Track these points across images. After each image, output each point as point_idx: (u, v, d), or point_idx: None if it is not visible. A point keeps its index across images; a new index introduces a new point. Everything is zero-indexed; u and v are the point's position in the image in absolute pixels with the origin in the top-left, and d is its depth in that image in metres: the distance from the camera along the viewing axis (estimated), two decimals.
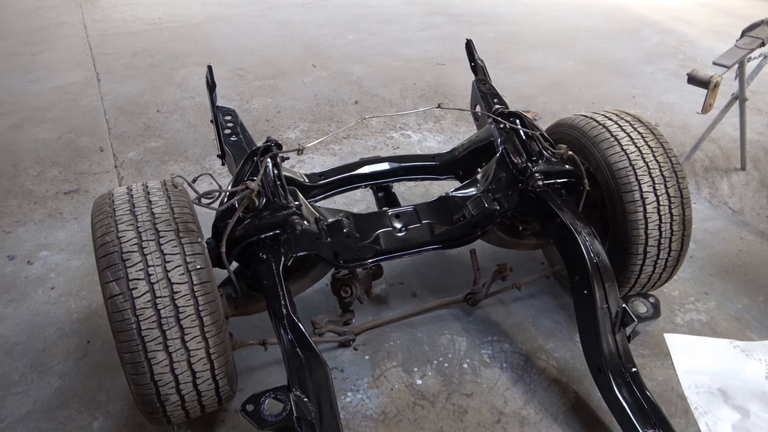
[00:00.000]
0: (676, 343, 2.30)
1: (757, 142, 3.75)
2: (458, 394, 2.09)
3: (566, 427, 1.98)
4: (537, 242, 2.37)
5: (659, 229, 2.02)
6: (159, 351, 1.52)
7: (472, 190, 2.20)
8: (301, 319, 1.69)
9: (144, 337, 1.50)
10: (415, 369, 2.19)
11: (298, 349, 1.60)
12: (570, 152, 2.02)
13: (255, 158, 1.87)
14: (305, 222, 1.81)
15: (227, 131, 2.17)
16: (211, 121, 2.26)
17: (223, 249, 1.70)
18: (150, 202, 1.68)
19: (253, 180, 1.75)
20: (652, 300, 1.91)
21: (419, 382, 2.14)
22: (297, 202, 1.81)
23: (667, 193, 2.02)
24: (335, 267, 2.05)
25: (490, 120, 2.33)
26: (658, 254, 2.06)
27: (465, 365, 2.21)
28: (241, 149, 2.11)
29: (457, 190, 2.25)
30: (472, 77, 4.72)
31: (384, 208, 2.38)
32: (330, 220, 2.01)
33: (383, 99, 4.38)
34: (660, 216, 2.01)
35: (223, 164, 2.31)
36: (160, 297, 1.52)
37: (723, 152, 3.67)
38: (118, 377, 2.12)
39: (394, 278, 2.61)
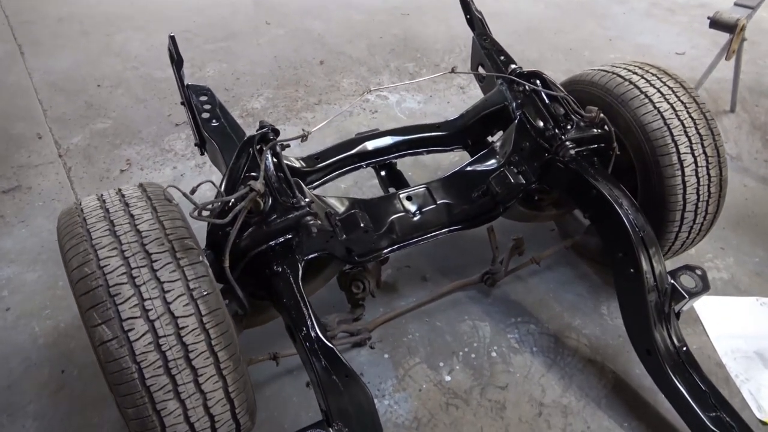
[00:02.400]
0: (705, 306, 2.20)
1: (740, 81, 3.66)
2: (492, 388, 1.93)
3: (611, 412, 1.86)
4: (557, 212, 2.18)
5: (697, 192, 1.86)
6: (170, 400, 1.25)
7: (491, 163, 1.98)
8: None
9: (150, 387, 1.22)
10: (441, 364, 2.00)
11: (334, 377, 1.37)
12: (602, 115, 1.81)
13: (251, 149, 1.56)
14: (319, 221, 1.54)
15: (205, 115, 1.84)
16: (182, 103, 1.91)
17: (227, 263, 1.42)
18: (132, 216, 1.36)
19: (255, 177, 1.46)
20: (699, 272, 1.77)
21: (448, 378, 1.96)
22: (307, 199, 1.53)
23: (705, 153, 1.86)
24: (350, 264, 1.80)
25: (500, 81, 2.09)
26: (694, 219, 1.91)
27: (493, 353, 2.04)
28: (226, 136, 1.79)
29: (472, 163, 2.02)
30: (443, 28, 4.41)
31: (390, 189, 2.13)
32: (341, 211, 1.75)
33: (351, 57, 4.03)
34: (698, 179, 1.85)
35: (202, 154, 1.97)
36: (164, 336, 1.24)
37: (710, 95, 3.57)
38: (108, 409, 1.84)
39: (400, 261, 2.38)
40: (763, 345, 2.04)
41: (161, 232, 1.34)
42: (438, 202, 1.95)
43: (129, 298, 1.23)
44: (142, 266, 1.27)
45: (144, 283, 1.26)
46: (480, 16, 2.34)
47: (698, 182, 1.85)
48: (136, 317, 1.23)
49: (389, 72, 3.84)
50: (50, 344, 2.07)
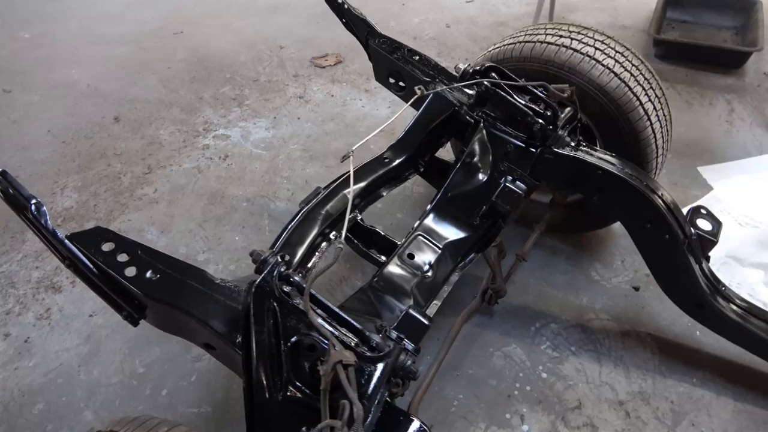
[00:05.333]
0: None
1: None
2: (570, 413, 1.73)
3: (676, 375, 1.82)
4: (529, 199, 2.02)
5: (663, 136, 1.86)
6: None
7: (477, 179, 1.70)
8: None
9: None
10: (508, 416, 1.74)
11: None
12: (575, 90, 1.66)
13: (274, 304, 1.03)
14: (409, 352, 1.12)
15: (131, 270, 1.17)
16: (69, 266, 1.20)
17: None
18: None
19: (308, 346, 0.97)
20: (704, 211, 1.77)
21: (526, 428, 1.71)
22: (381, 333, 1.08)
23: (656, 95, 1.85)
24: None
25: (436, 87, 1.79)
26: (662, 162, 1.92)
27: (543, 375, 1.84)
28: (182, 287, 1.16)
29: (451, 187, 1.72)
30: (230, 36, 3.85)
31: (372, 252, 1.72)
32: (375, 311, 1.33)
33: (149, 101, 3.26)
34: (660, 122, 1.84)
35: (136, 325, 1.28)
36: None
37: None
38: None
39: None
40: (728, 246, 2.19)
41: None
42: (441, 245, 1.62)
43: None
44: None
45: None
46: (362, 16, 1.98)
47: (660, 126, 1.84)
48: None
49: (209, 105, 3.21)
50: None
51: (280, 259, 1.10)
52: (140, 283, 1.17)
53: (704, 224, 1.72)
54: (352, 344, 1.04)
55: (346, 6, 1.98)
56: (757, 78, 3.16)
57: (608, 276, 2.14)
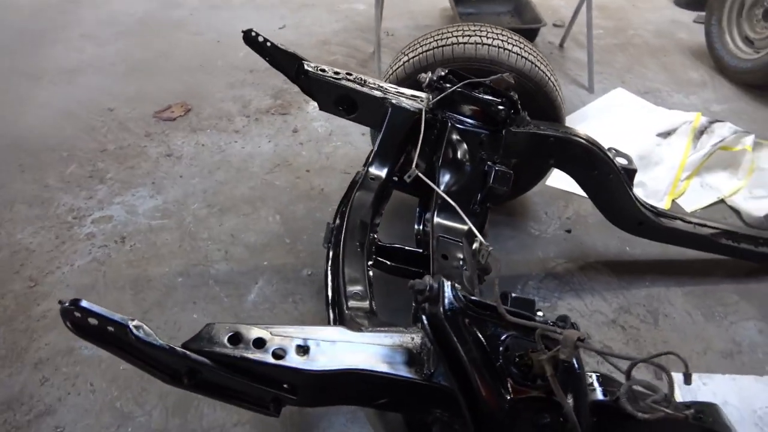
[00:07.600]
0: None
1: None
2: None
3: (632, 284, 2.24)
4: None
5: (563, 101, 2.24)
6: None
7: (463, 173, 1.85)
8: None
9: None
10: None
11: None
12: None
13: (467, 320, 1.04)
14: None
15: (276, 355, 0.99)
16: (189, 384, 0.98)
17: None
18: None
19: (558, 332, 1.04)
20: (614, 150, 2.18)
21: None
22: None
23: (551, 69, 2.22)
24: None
25: (387, 99, 1.89)
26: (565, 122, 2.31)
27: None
28: (342, 351, 1.05)
29: (442, 184, 1.83)
30: (37, 109, 3.31)
31: (400, 266, 1.75)
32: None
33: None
34: (560, 90, 2.22)
35: (281, 411, 1.08)
36: None
37: (358, 45, 3.95)
38: None
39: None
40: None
41: None
42: (461, 239, 1.74)
43: None
44: None
45: None
46: (288, 50, 1.96)
47: (561, 93, 2.22)
48: None
49: (62, 191, 2.73)
50: None
51: (445, 282, 1.11)
52: (298, 363, 1.05)
53: (621, 160, 2.13)
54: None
55: (269, 44, 1.93)
56: (547, 47, 3.89)
57: (544, 228, 2.49)
